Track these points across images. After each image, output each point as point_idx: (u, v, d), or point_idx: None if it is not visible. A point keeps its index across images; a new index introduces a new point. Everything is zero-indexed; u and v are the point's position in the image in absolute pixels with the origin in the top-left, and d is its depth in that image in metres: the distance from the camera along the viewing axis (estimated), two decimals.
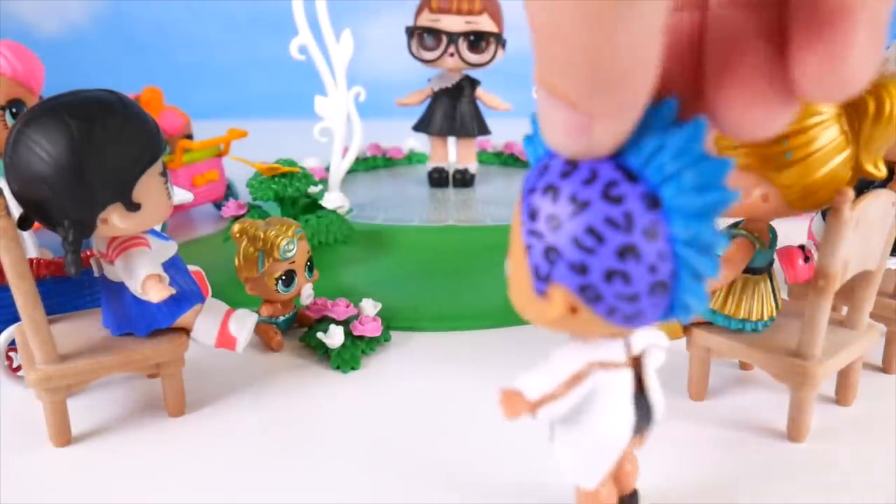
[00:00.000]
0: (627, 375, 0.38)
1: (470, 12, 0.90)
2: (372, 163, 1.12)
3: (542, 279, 0.33)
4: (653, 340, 0.39)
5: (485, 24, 0.90)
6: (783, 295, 0.54)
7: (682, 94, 0.30)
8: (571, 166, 0.32)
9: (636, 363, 0.39)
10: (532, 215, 0.33)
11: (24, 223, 0.48)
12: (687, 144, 0.30)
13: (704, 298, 0.33)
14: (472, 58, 0.92)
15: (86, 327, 0.53)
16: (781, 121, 0.27)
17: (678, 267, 0.32)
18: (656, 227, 0.31)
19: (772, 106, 0.26)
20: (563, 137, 0.30)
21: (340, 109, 0.86)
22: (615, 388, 0.38)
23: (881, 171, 0.45)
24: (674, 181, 0.30)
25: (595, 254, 0.32)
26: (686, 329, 0.54)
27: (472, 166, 0.99)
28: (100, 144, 0.45)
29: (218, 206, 0.99)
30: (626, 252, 0.31)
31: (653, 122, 0.30)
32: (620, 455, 0.40)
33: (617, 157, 0.31)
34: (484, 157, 1.14)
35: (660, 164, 0.30)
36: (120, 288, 0.50)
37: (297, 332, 0.66)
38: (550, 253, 0.33)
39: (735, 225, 0.52)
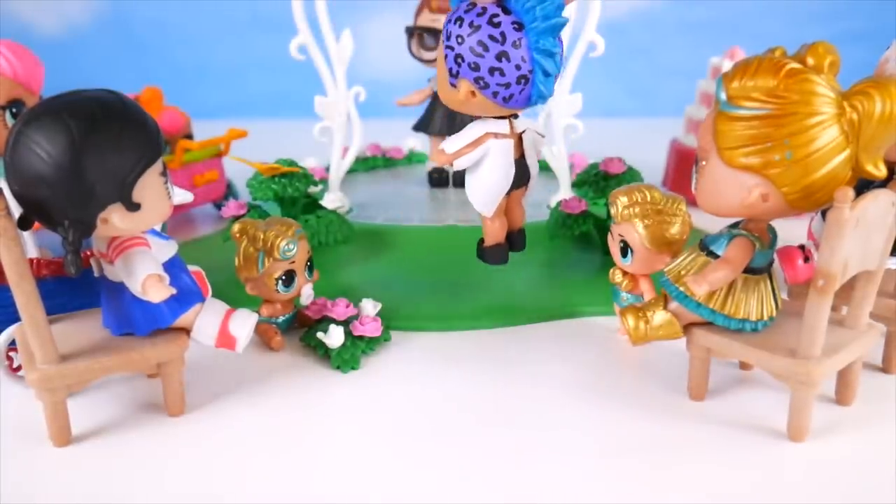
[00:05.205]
0: (510, 143, 0.57)
1: None
2: (372, 163, 1.11)
3: (454, 76, 0.53)
4: (532, 126, 0.59)
5: None
6: (783, 295, 0.55)
7: None
8: (472, 5, 0.52)
9: (519, 138, 0.58)
10: (448, 36, 0.52)
11: (24, 223, 0.48)
12: None
13: (551, 89, 0.53)
14: None
15: (86, 327, 0.53)
16: None
17: (534, 66, 0.51)
18: (520, 41, 0.50)
19: None
20: None
21: (340, 109, 0.86)
22: (502, 150, 0.57)
23: (881, 171, 0.45)
24: (531, 12, 0.50)
25: (483, 57, 0.51)
26: (686, 329, 0.54)
27: None
28: (100, 144, 0.45)
29: (218, 206, 0.99)
30: (501, 56, 0.51)
31: None
32: (506, 196, 0.59)
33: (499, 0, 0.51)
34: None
35: (523, 2, 0.50)
36: (120, 288, 0.50)
37: (297, 332, 0.66)
38: (458, 59, 0.52)
39: (735, 225, 0.52)
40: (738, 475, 0.47)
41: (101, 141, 0.45)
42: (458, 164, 0.59)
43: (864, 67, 0.52)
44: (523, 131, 0.59)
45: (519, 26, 0.51)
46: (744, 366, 0.59)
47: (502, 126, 0.57)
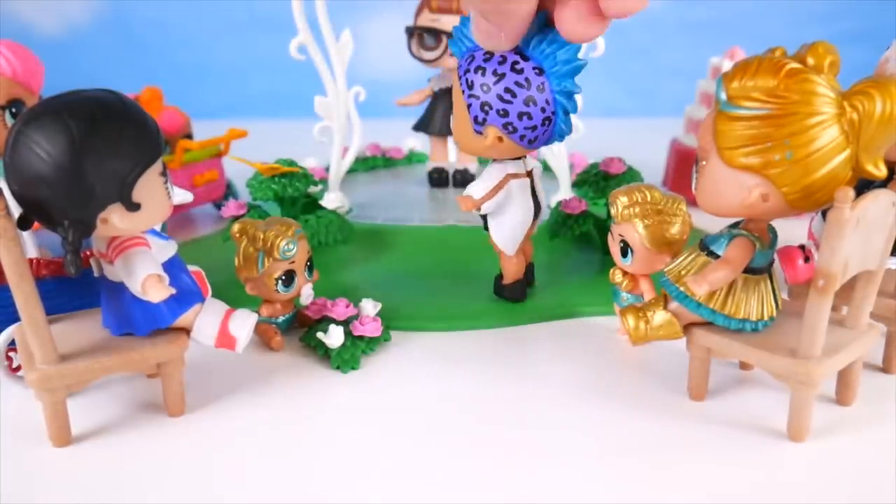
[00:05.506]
0: (527, 182, 0.62)
1: None
2: (372, 163, 1.11)
3: (480, 123, 0.57)
4: (536, 163, 0.64)
5: None
6: (783, 295, 0.55)
7: (550, 8, 0.50)
8: (490, 54, 0.55)
9: (530, 174, 0.63)
10: (470, 86, 0.56)
11: (24, 223, 0.48)
12: (554, 37, 0.53)
13: (570, 127, 0.58)
14: None
15: (86, 327, 0.53)
16: (598, 31, 0.48)
17: (556, 107, 0.55)
18: (543, 85, 0.54)
19: (590, 22, 0.48)
20: (485, 39, 0.53)
21: (340, 109, 0.86)
22: (521, 189, 0.62)
23: (881, 171, 0.45)
24: (551, 58, 0.54)
25: (512, 103, 0.55)
26: (686, 329, 0.54)
27: (472, 166, 0.99)
28: (100, 144, 0.45)
29: (218, 206, 0.99)
30: (528, 101, 0.55)
31: (534, 25, 0.53)
32: (525, 234, 0.64)
33: (516, 47, 0.54)
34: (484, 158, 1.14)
35: (542, 49, 0.54)
36: (120, 288, 0.50)
37: (297, 332, 0.66)
38: (484, 107, 0.55)
39: (735, 225, 0.52)
40: (738, 475, 0.47)
41: (100, 141, 0.45)
42: (485, 209, 0.61)
43: (864, 67, 0.52)
44: (531, 169, 0.62)
45: (539, 71, 0.54)
46: (744, 366, 0.59)
47: (519, 166, 0.61)
